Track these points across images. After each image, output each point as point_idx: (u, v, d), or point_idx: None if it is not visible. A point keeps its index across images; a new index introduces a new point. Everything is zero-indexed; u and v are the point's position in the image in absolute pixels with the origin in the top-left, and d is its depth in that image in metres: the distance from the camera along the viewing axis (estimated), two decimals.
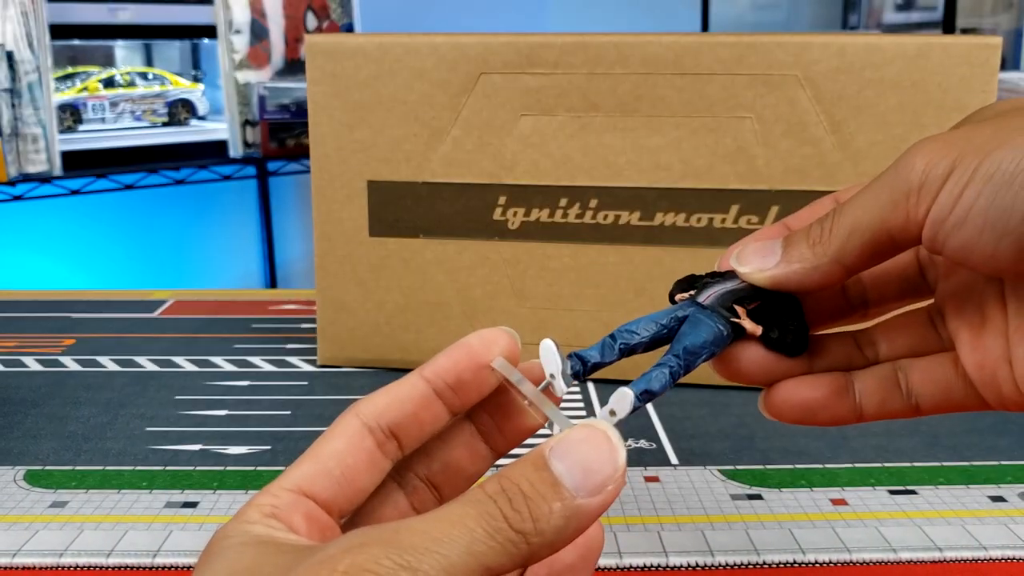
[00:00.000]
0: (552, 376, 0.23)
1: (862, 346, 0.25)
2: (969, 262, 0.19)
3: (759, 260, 0.22)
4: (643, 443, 0.42)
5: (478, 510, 0.17)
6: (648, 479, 0.39)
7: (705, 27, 2.38)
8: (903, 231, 0.19)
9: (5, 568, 0.33)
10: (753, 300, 0.24)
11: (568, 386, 0.23)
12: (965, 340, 0.22)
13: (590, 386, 0.50)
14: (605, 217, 0.48)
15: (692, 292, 0.25)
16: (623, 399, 0.22)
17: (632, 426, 0.44)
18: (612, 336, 0.24)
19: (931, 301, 0.24)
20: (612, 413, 0.22)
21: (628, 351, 0.24)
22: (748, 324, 0.24)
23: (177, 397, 0.49)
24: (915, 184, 0.19)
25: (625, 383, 0.23)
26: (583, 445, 0.18)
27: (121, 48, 1.93)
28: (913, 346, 0.24)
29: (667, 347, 0.24)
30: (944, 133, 0.19)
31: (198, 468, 0.40)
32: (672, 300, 0.25)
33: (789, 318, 0.24)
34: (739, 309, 0.24)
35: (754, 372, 0.24)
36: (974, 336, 0.22)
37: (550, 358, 0.23)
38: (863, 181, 0.22)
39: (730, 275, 0.24)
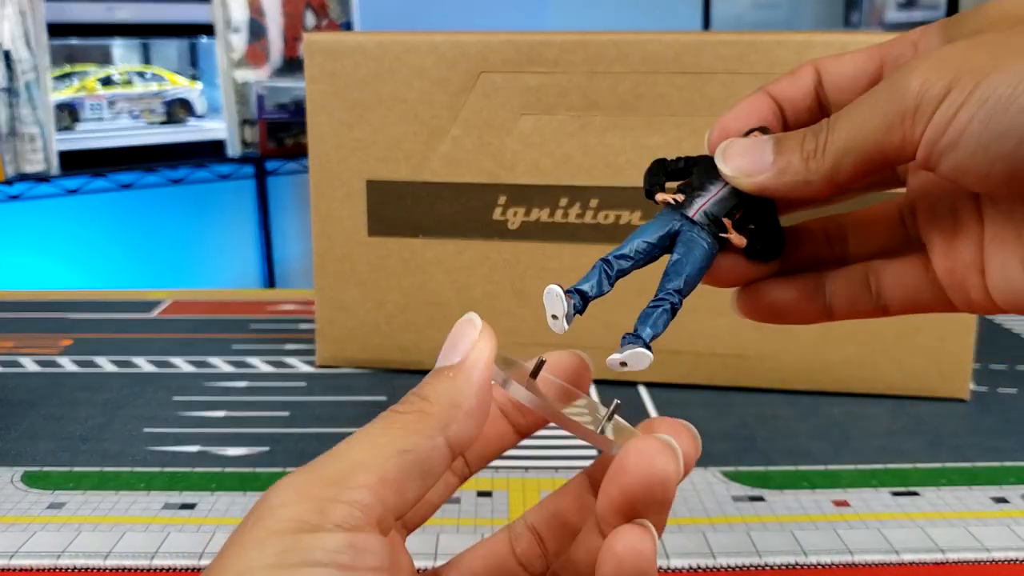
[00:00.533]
0: (555, 317, 0.23)
1: (832, 242, 0.25)
2: (962, 182, 0.19)
3: (747, 163, 0.22)
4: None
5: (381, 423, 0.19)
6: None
7: (706, 25, 2.38)
8: (898, 152, 0.19)
9: (3, 569, 0.32)
10: (737, 208, 0.23)
11: (570, 323, 0.23)
12: (937, 245, 0.22)
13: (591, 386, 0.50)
14: (605, 217, 0.48)
15: (676, 199, 0.24)
16: (641, 359, 0.22)
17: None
18: (607, 263, 0.24)
19: (903, 191, 0.24)
20: (623, 364, 0.22)
21: (623, 275, 0.24)
22: (735, 238, 0.23)
23: (175, 398, 0.48)
24: (910, 105, 0.18)
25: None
26: (453, 329, 0.21)
27: (119, 47, 1.92)
28: (883, 244, 0.24)
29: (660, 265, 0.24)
30: (940, 51, 0.19)
31: (196, 469, 0.40)
32: (650, 195, 0.25)
33: (766, 222, 0.24)
34: (726, 222, 0.23)
35: (731, 278, 0.24)
36: (946, 241, 0.22)
37: (555, 301, 0.23)
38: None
39: (705, 161, 0.24)
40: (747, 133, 0.23)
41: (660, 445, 0.19)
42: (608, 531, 0.19)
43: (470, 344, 0.21)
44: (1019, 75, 0.17)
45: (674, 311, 0.23)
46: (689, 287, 0.23)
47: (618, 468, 0.19)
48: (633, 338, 0.23)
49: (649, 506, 0.19)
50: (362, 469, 0.18)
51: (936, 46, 0.21)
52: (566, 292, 0.23)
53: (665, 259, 0.24)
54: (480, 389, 0.20)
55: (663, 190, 0.24)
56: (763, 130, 0.23)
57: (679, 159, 0.25)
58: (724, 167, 0.22)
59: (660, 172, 0.25)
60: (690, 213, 0.24)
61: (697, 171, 0.24)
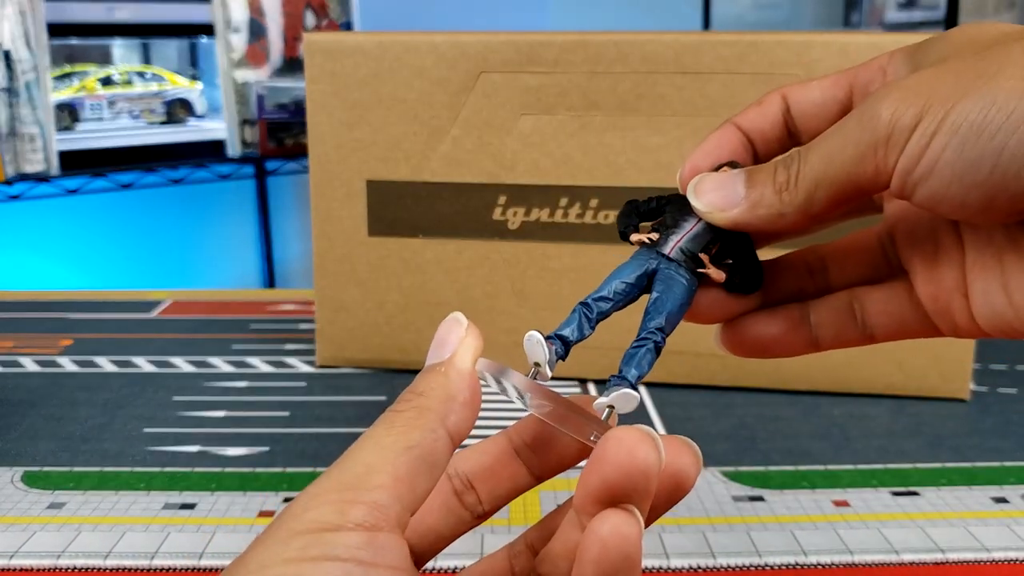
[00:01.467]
0: (537, 364, 0.23)
1: (813, 272, 0.24)
2: (938, 211, 0.19)
3: (720, 198, 0.21)
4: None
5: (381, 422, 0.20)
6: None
7: (706, 25, 2.38)
8: (872, 182, 0.19)
9: (3, 569, 0.32)
10: (713, 243, 0.23)
11: (553, 370, 0.23)
12: (918, 271, 0.22)
13: (590, 387, 0.50)
14: (605, 217, 0.48)
15: (650, 238, 0.24)
16: (628, 401, 0.22)
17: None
18: (586, 307, 0.24)
19: (880, 217, 0.24)
20: (610, 407, 0.22)
21: (603, 318, 0.24)
22: (714, 273, 0.23)
23: (175, 398, 0.48)
24: (882, 136, 0.18)
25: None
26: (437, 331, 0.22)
27: (119, 47, 1.92)
28: (864, 272, 0.24)
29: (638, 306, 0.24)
30: (909, 79, 0.19)
31: (196, 469, 0.40)
32: (624, 237, 0.25)
33: (743, 255, 0.23)
34: (703, 257, 0.23)
35: (713, 314, 0.24)
36: (927, 267, 0.22)
37: (536, 348, 0.23)
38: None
39: (678, 200, 0.24)
40: (718, 168, 0.23)
41: (640, 435, 0.19)
42: (587, 522, 0.18)
43: (457, 340, 0.21)
44: (988, 100, 0.17)
45: (658, 350, 0.23)
46: (671, 325, 0.23)
47: (598, 456, 0.19)
48: (618, 379, 0.22)
49: (630, 495, 0.18)
50: (375, 471, 0.18)
51: (904, 73, 0.21)
52: (547, 338, 0.23)
53: (645, 298, 0.24)
54: (472, 380, 0.21)
55: (637, 231, 0.24)
56: (733, 164, 0.23)
57: (651, 199, 0.25)
58: (697, 203, 0.22)
59: (632, 213, 0.25)
60: (666, 251, 0.24)
61: (670, 209, 0.24)
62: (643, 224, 0.25)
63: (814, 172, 0.20)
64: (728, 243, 0.23)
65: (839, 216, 0.23)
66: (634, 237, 0.24)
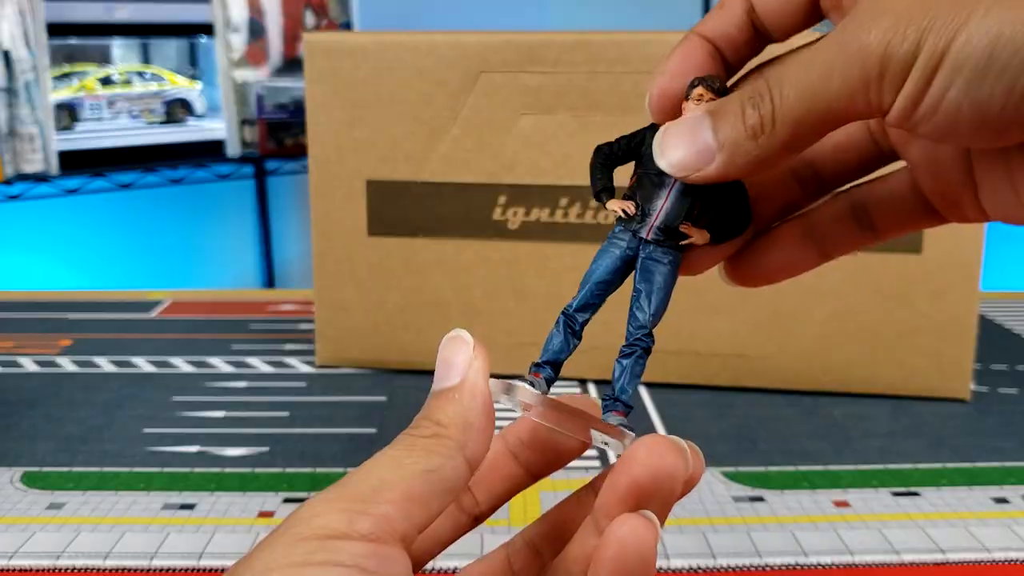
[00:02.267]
0: (527, 409, 0.22)
1: (802, 181, 0.23)
2: (944, 143, 0.18)
3: (690, 156, 0.19)
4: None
5: (399, 445, 0.20)
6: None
7: None
8: (863, 115, 0.17)
9: (2, 570, 0.32)
10: (693, 204, 0.21)
11: (550, 387, 0.22)
12: (922, 170, 0.21)
13: (590, 386, 0.50)
14: (605, 217, 0.48)
15: (627, 210, 0.22)
16: (623, 444, 0.21)
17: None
18: (570, 319, 0.23)
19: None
20: (606, 443, 0.22)
21: (588, 322, 0.23)
22: (699, 238, 0.21)
23: (174, 398, 0.48)
24: (874, 72, 0.16)
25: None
26: (441, 349, 0.21)
27: (118, 46, 1.92)
28: (857, 169, 0.22)
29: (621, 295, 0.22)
30: None
31: (195, 470, 0.40)
32: (599, 199, 0.23)
33: (728, 200, 0.21)
34: (684, 229, 0.21)
35: (704, 266, 0.22)
36: (932, 168, 0.20)
37: (524, 394, 0.22)
38: None
39: (650, 136, 0.21)
40: (691, 86, 0.20)
41: (670, 443, 0.19)
42: (606, 524, 0.19)
43: (466, 362, 0.21)
44: (994, 32, 0.15)
45: (647, 352, 0.22)
46: (657, 317, 0.22)
47: (627, 459, 0.19)
48: (612, 403, 0.22)
49: (654, 499, 0.18)
50: (388, 487, 0.19)
51: None
52: (533, 369, 0.22)
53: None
54: (485, 406, 0.21)
55: (612, 191, 0.23)
56: (705, 81, 0.20)
57: (620, 139, 0.23)
58: (666, 165, 0.20)
59: (606, 165, 0.23)
60: (643, 233, 0.22)
61: (646, 155, 0.22)
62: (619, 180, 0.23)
63: (793, 112, 0.17)
64: (709, 193, 0.21)
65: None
66: (611, 205, 0.23)
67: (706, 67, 0.21)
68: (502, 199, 0.49)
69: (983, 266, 0.45)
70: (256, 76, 1.74)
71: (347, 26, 1.85)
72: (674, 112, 0.21)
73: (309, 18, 1.81)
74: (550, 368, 0.22)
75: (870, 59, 0.16)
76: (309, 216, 0.51)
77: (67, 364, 0.54)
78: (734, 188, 0.21)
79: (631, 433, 0.21)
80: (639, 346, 0.22)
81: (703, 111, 0.19)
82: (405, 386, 0.49)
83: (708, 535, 0.35)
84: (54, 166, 1.54)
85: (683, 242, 0.22)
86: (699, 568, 0.32)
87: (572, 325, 0.23)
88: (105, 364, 0.54)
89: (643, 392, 0.49)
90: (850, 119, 0.17)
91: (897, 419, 0.46)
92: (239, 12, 1.71)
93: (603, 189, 0.23)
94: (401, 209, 0.50)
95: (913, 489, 0.38)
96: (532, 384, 0.22)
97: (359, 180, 0.50)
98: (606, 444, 0.21)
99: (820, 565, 0.33)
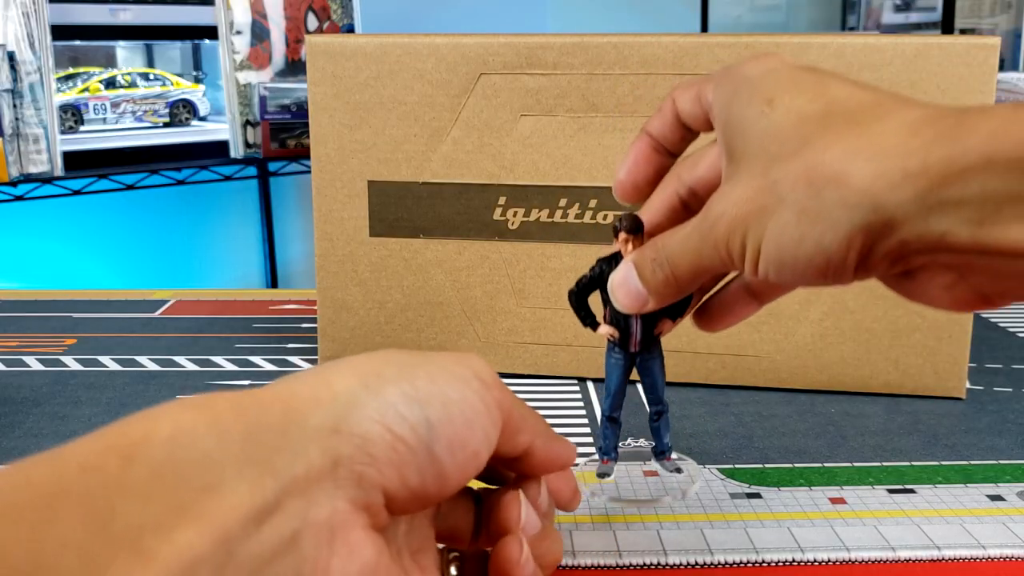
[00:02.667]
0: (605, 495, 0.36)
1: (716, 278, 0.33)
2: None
3: (633, 300, 0.29)
4: (642, 442, 0.42)
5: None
6: (647, 474, 0.39)
7: (704, 28, 2.38)
8: (727, 270, 0.27)
9: None
10: (653, 313, 0.31)
11: (612, 473, 0.36)
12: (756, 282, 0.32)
13: (589, 385, 0.50)
14: (605, 217, 0.48)
15: (613, 336, 0.33)
16: (696, 471, 0.38)
17: (631, 426, 0.44)
18: (612, 420, 0.35)
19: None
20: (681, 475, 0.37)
21: (620, 412, 0.35)
22: (666, 329, 0.33)
23: (179, 397, 0.49)
24: (725, 256, 0.25)
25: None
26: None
27: (122, 49, 1.93)
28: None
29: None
30: (732, 203, 0.25)
31: None
32: (593, 329, 0.33)
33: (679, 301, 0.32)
34: (657, 332, 0.33)
35: (671, 328, 0.34)
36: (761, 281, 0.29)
37: (610, 487, 0.37)
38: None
39: (612, 261, 0.32)
40: (615, 230, 0.30)
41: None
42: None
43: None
44: (778, 230, 0.23)
45: (666, 413, 0.35)
46: (663, 392, 0.35)
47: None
48: (662, 455, 0.36)
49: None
50: None
51: (718, 113, 0.27)
52: (602, 457, 0.35)
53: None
54: None
55: (596, 322, 0.33)
56: (629, 226, 0.30)
57: (582, 279, 0.32)
58: (620, 308, 0.30)
59: (580, 301, 0.33)
60: (631, 349, 0.33)
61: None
62: (601, 320, 0.34)
63: (683, 272, 0.27)
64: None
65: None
66: (600, 331, 0.33)
67: (652, 160, 0.30)
68: (502, 199, 0.49)
69: None
70: (259, 78, 1.74)
71: (349, 29, 1.85)
72: (635, 195, 0.31)
73: (312, 21, 1.81)
74: (615, 452, 0.36)
75: (720, 250, 0.25)
76: (312, 216, 0.51)
77: (72, 363, 0.54)
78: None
79: (682, 467, 0.37)
80: (662, 413, 0.35)
81: (631, 262, 0.29)
82: None
83: (705, 531, 0.35)
84: (59, 167, 1.55)
85: (658, 333, 0.33)
86: (696, 564, 0.33)
87: (614, 424, 0.35)
88: (110, 363, 0.54)
89: (643, 391, 0.49)
90: (720, 271, 0.28)
91: (893, 417, 0.46)
92: (242, 15, 1.71)
93: (589, 322, 0.33)
94: (402, 209, 0.50)
95: (909, 486, 0.39)
96: (605, 473, 0.36)
97: (361, 181, 0.50)
98: (678, 471, 0.36)
99: (816, 561, 0.33)
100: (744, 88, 0.26)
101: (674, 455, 0.36)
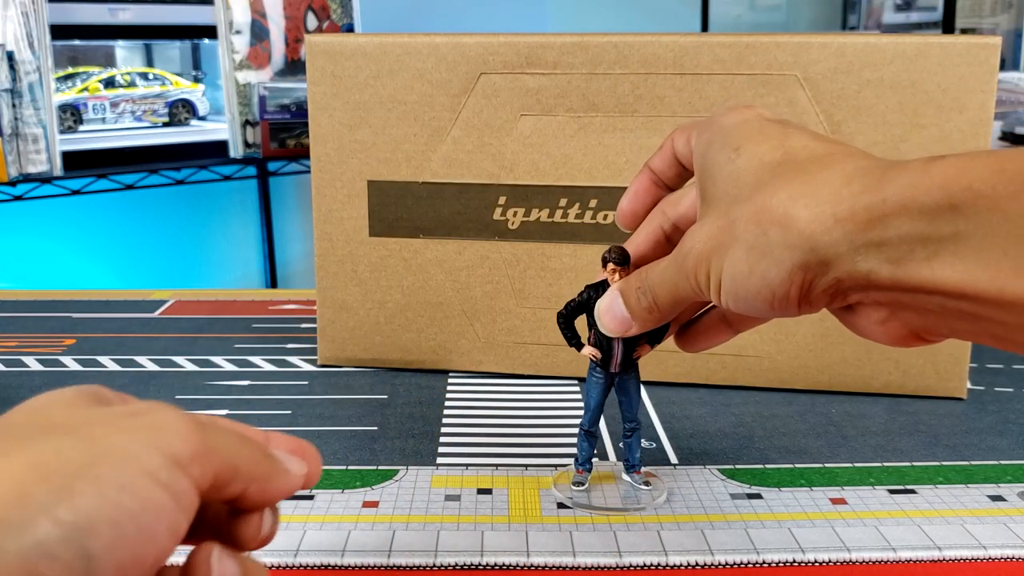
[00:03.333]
0: (578, 500, 0.37)
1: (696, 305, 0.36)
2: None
3: (618, 325, 0.32)
4: (643, 442, 0.42)
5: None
6: (648, 475, 0.39)
7: (705, 27, 2.38)
8: (702, 300, 0.29)
9: None
10: (634, 338, 0.35)
11: (586, 483, 0.38)
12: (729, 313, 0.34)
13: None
14: (605, 217, 0.48)
15: (595, 356, 0.36)
16: (663, 487, 0.39)
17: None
18: (590, 434, 0.38)
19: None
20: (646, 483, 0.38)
21: (597, 426, 0.38)
22: (644, 352, 0.36)
23: (178, 397, 0.49)
24: (696, 287, 0.28)
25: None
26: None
27: (121, 48, 1.93)
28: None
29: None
30: (700, 242, 0.27)
31: None
32: (579, 349, 0.36)
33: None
34: (636, 356, 0.36)
35: (648, 352, 0.37)
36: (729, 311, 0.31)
37: (579, 496, 0.37)
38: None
39: (598, 287, 0.35)
40: (603, 263, 0.33)
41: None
42: None
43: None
44: (731, 267, 0.26)
45: (639, 430, 0.38)
46: (637, 411, 0.37)
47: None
48: (631, 468, 0.38)
49: None
50: None
51: (699, 154, 0.30)
52: (577, 467, 0.38)
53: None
54: None
55: (580, 343, 0.36)
56: (611, 256, 0.33)
57: (570, 303, 0.35)
58: (606, 332, 0.33)
59: (568, 323, 0.36)
60: (612, 368, 0.36)
61: (597, 302, 0.34)
62: (588, 339, 0.36)
63: (664, 300, 0.30)
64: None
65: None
66: (584, 352, 0.36)
67: (651, 192, 0.33)
68: (502, 199, 0.49)
69: None
70: (259, 78, 1.74)
71: (349, 28, 1.85)
72: (633, 223, 0.34)
73: (311, 20, 1.81)
74: (588, 463, 0.38)
75: (691, 280, 0.28)
76: (311, 216, 0.51)
77: (71, 363, 0.54)
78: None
79: (651, 483, 0.38)
80: (635, 430, 0.38)
81: (616, 290, 0.32)
82: (406, 384, 0.49)
83: (706, 532, 0.35)
84: (58, 167, 1.55)
85: (636, 357, 0.36)
86: (697, 565, 0.33)
87: (591, 434, 0.38)
88: (109, 363, 0.54)
89: (643, 390, 0.49)
90: (696, 300, 0.30)
91: (894, 417, 0.46)
92: (242, 14, 1.71)
93: (575, 342, 0.36)
94: (402, 209, 0.50)
95: (909, 487, 0.39)
96: (580, 482, 0.38)
97: (360, 181, 0.50)
98: (647, 484, 0.38)
99: (817, 562, 0.33)
100: (718, 136, 0.28)
101: (643, 469, 0.38)
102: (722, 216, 0.26)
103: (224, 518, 0.24)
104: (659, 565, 0.33)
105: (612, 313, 0.32)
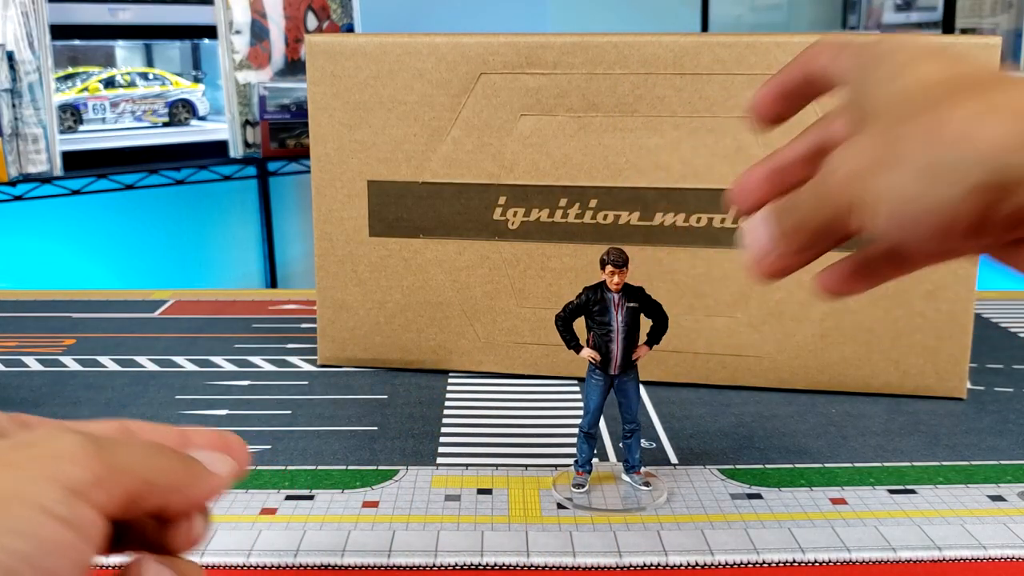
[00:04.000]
0: (578, 501, 0.37)
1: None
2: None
3: (759, 248, 0.28)
4: (643, 443, 0.42)
5: None
6: (648, 475, 0.39)
7: (705, 27, 2.38)
8: (848, 228, 0.25)
9: None
10: (632, 341, 0.36)
11: (586, 484, 0.38)
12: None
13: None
14: (605, 217, 0.48)
15: (595, 359, 0.36)
16: (664, 487, 0.38)
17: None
18: (590, 436, 0.37)
19: None
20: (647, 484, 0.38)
21: (596, 428, 0.38)
22: (643, 353, 0.37)
23: (178, 397, 0.49)
24: (844, 209, 0.25)
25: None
26: None
27: (121, 48, 1.93)
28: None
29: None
30: (852, 157, 0.24)
31: None
32: (577, 351, 0.36)
33: (654, 314, 0.37)
34: (634, 358, 0.36)
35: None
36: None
37: (578, 496, 0.37)
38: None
39: (593, 291, 0.35)
40: (602, 265, 0.34)
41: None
42: None
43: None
44: (901, 178, 0.23)
45: (638, 431, 0.38)
46: (637, 412, 0.38)
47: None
48: (631, 468, 0.38)
49: None
50: None
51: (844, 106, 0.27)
52: (577, 469, 0.38)
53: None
54: None
55: (579, 345, 0.36)
56: (610, 258, 0.34)
57: (568, 305, 0.36)
58: (747, 253, 0.28)
59: (566, 326, 0.36)
60: (611, 371, 0.36)
61: (593, 318, 0.35)
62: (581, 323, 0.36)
63: (808, 221, 0.26)
64: (635, 331, 0.36)
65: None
66: (583, 354, 0.36)
67: (789, 91, 0.31)
68: (502, 199, 0.49)
69: (979, 265, 0.46)
70: (259, 78, 1.74)
71: (349, 28, 1.85)
72: (769, 111, 0.31)
73: (311, 20, 1.81)
74: (588, 464, 0.38)
75: (841, 203, 0.25)
76: (311, 216, 0.51)
77: (71, 363, 0.54)
78: (651, 313, 0.37)
79: (651, 483, 0.38)
80: (634, 431, 0.38)
81: (770, 207, 0.28)
82: (405, 384, 0.49)
83: (706, 532, 0.35)
84: (58, 167, 1.55)
85: (635, 358, 0.36)
86: (697, 565, 0.33)
87: (591, 440, 0.38)
88: (109, 363, 0.54)
89: (641, 391, 0.49)
90: (839, 229, 0.26)
91: (894, 417, 0.46)
92: (242, 14, 1.71)
93: (573, 345, 0.37)
94: (402, 209, 0.50)
95: (910, 487, 0.39)
96: (579, 484, 0.38)
97: (360, 181, 0.50)
98: (647, 485, 0.38)
99: (817, 562, 0.33)
100: (880, 58, 0.26)
101: (643, 469, 0.38)
102: (880, 135, 0.24)
103: (152, 525, 0.23)
104: (659, 565, 0.33)
105: (755, 233, 0.28)
